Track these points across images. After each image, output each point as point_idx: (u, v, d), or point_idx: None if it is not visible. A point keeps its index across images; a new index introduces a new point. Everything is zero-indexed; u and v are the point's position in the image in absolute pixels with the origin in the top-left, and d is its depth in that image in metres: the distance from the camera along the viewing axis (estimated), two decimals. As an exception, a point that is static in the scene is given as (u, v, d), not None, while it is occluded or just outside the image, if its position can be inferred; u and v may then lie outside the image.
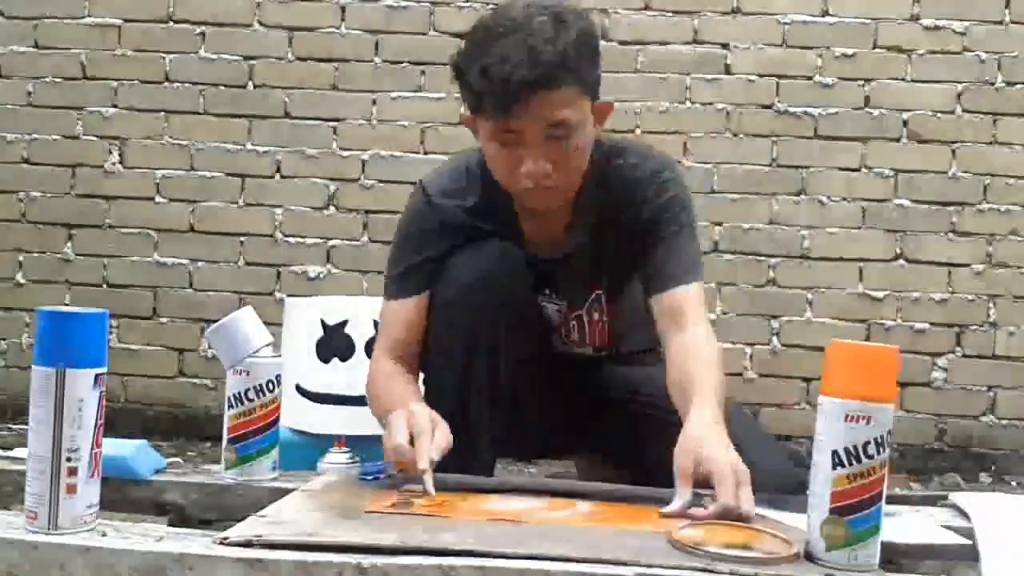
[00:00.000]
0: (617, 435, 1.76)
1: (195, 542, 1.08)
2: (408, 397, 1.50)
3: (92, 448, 1.11)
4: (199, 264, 3.37)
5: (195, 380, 3.36)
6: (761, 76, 3.26)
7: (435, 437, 1.35)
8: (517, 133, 1.46)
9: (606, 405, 1.77)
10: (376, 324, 2.23)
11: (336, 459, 1.51)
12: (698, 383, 1.44)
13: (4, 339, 3.41)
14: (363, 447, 1.58)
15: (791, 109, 3.26)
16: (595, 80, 1.52)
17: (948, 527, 1.32)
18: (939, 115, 3.23)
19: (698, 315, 1.57)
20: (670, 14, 3.24)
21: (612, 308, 1.74)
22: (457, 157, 1.71)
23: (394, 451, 1.34)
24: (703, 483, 1.27)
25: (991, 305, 3.23)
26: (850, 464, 1.06)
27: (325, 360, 2.26)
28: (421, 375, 1.66)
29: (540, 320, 1.72)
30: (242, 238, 3.36)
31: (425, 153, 3.31)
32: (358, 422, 1.93)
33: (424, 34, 3.32)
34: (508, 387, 1.60)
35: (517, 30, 1.42)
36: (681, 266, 1.59)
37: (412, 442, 1.34)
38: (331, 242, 3.34)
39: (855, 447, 1.06)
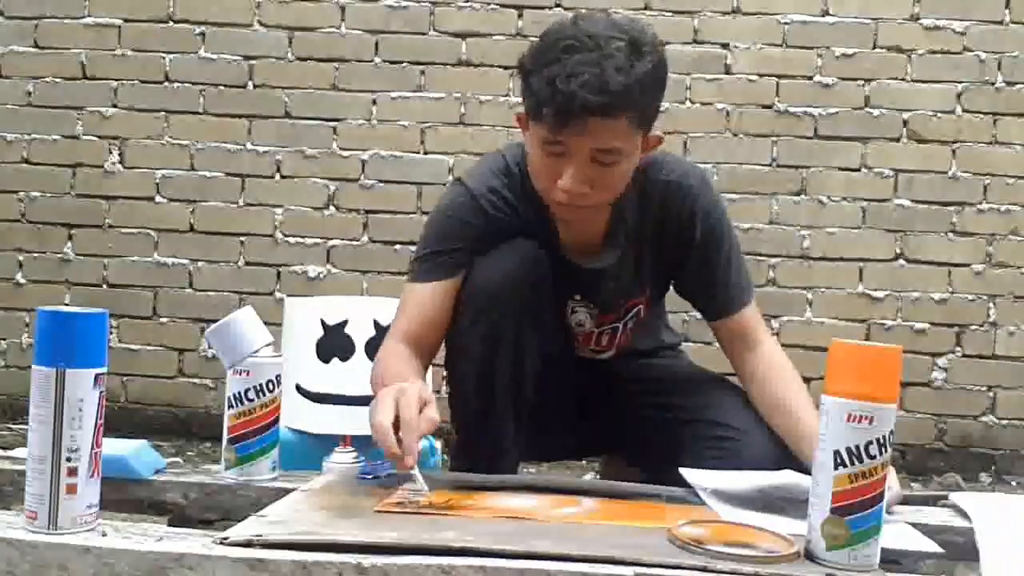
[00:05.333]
0: (634, 433, 1.77)
1: (195, 542, 1.07)
2: (405, 374, 1.48)
3: (92, 448, 1.11)
4: (199, 264, 3.36)
5: (195, 380, 3.35)
6: (761, 76, 3.26)
7: (421, 418, 1.28)
8: (565, 147, 1.46)
9: (624, 405, 1.78)
10: (376, 324, 2.24)
11: (341, 458, 1.50)
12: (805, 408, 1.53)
13: (4, 339, 3.41)
14: (364, 447, 1.58)
15: (791, 109, 3.26)
16: (654, 113, 1.51)
17: (948, 526, 1.32)
18: (939, 115, 3.23)
19: (763, 330, 1.68)
20: (670, 14, 3.24)
21: (646, 320, 1.77)
22: (497, 155, 1.69)
23: (377, 429, 1.27)
24: None
25: (991, 305, 3.23)
26: (851, 464, 1.06)
27: (325, 360, 2.26)
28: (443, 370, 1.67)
29: (564, 324, 1.72)
30: (242, 238, 3.36)
31: (425, 153, 3.31)
32: (358, 422, 1.93)
33: (424, 34, 3.32)
34: (530, 387, 1.61)
35: (593, 49, 1.40)
36: (740, 287, 1.67)
37: (397, 424, 1.27)
38: (331, 242, 3.34)
39: (857, 447, 1.06)
